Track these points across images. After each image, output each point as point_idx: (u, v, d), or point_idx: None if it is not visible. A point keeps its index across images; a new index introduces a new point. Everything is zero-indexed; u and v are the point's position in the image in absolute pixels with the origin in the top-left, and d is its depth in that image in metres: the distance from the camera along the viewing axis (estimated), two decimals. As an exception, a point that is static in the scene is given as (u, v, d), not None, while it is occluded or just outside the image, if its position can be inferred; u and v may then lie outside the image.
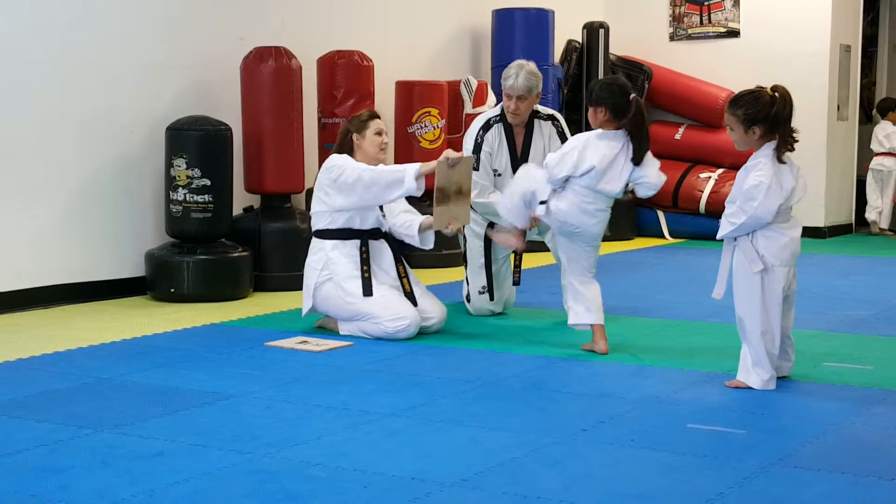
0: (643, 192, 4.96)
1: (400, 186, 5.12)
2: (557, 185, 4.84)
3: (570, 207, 4.83)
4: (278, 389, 4.21)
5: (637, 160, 4.77)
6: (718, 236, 4.25)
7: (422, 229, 5.35)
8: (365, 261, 5.29)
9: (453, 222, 5.19)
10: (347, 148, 5.40)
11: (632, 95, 4.77)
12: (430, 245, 5.43)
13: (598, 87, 4.85)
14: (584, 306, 4.90)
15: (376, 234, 5.37)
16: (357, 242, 5.30)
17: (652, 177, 4.85)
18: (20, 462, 3.30)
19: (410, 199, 5.47)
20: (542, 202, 4.86)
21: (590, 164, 4.75)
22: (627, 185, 4.89)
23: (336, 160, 5.31)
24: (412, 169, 5.12)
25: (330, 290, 5.29)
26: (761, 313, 4.13)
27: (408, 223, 5.38)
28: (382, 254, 5.38)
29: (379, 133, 5.37)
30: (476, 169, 5.66)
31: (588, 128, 4.92)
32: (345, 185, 5.21)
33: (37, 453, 3.38)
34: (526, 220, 5.00)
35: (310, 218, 5.48)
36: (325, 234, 5.35)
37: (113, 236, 6.61)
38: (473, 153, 5.69)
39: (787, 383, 4.25)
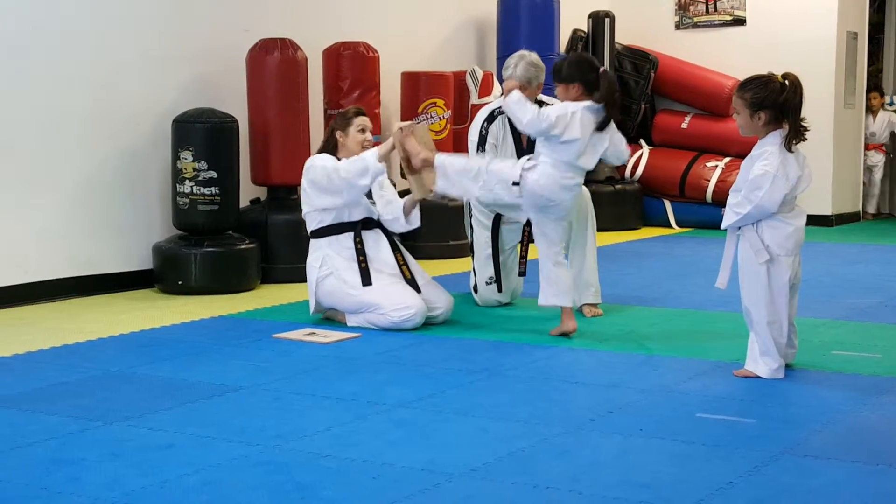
0: (612, 162, 5.18)
1: (366, 172, 5.16)
2: (535, 133, 4.90)
3: (548, 182, 4.89)
4: (286, 381, 4.22)
5: (601, 127, 4.87)
6: (723, 226, 4.24)
7: (406, 211, 5.38)
8: (361, 251, 5.30)
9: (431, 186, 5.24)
10: (332, 146, 5.43)
11: (601, 69, 4.89)
12: (417, 223, 5.48)
13: (566, 64, 4.97)
14: (554, 289, 5.00)
15: (369, 223, 5.38)
16: (351, 234, 5.32)
17: (623, 152, 5.09)
18: (31, 455, 3.31)
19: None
20: (515, 183, 4.90)
21: (574, 135, 4.82)
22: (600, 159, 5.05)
23: (310, 162, 5.38)
24: (370, 153, 5.19)
25: (332, 284, 5.31)
26: (768, 303, 4.12)
27: (394, 211, 5.43)
28: (378, 243, 5.39)
29: (362, 130, 5.39)
30: (482, 148, 5.67)
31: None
32: (320, 187, 5.26)
33: (47, 446, 3.39)
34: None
35: (302, 221, 5.51)
36: (319, 233, 5.38)
37: (120, 229, 6.61)
38: (479, 147, 5.68)
39: (795, 372, 4.25)
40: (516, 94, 4.94)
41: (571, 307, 5.04)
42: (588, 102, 4.86)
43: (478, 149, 5.71)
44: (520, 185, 4.88)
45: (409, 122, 5.25)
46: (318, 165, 5.30)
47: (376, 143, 5.37)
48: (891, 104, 11.31)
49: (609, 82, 4.87)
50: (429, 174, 5.21)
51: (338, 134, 5.42)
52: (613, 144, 5.00)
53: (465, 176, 4.98)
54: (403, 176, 5.45)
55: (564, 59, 5.03)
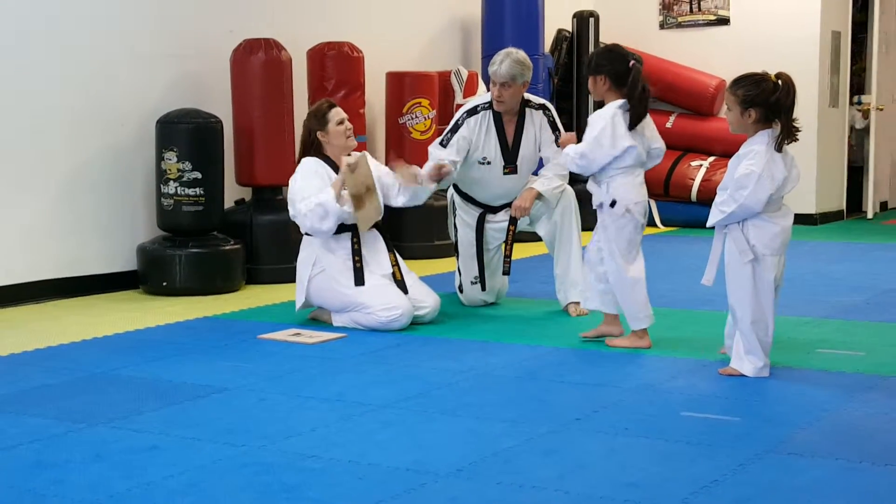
0: (652, 164, 4.90)
1: (327, 216, 5.17)
2: (591, 172, 4.71)
3: (635, 189, 4.72)
4: (272, 382, 4.21)
5: (632, 125, 4.68)
6: (708, 224, 4.24)
7: (405, 186, 5.41)
8: (357, 251, 5.29)
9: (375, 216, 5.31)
10: (314, 148, 5.39)
11: (631, 62, 4.71)
12: (423, 197, 5.50)
13: (596, 55, 4.82)
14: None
15: None
16: (349, 234, 5.30)
17: (661, 146, 4.87)
18: (14, 457, 3.29)
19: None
20: (613, 203, 4.70)
21: (626, 142, 4.65)
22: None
23: (295, 175, 5.35)
24: (325, 198, 5.15)
25: (323, 281, 5.30)
26: (753, 302, 4.13)
27: (395, 187, 5.43)
28: (375, 244, 5.38)
29: (341, 122, 5.36)
30: (443, 146, 5.61)
31: (581, 110, 4.93)
32: (296, 206, 5.27)
33: (31, 448, 3.38)
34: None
35: (288, 222, 5.50)
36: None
37: (104, 230, 6.59)
38: (449, 133, 5.63)
39: (779, 370, 4.26)
40: (573, 150, 4.73)
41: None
42: (620, 102, 4.68)
43: (445, 135, 5.63)
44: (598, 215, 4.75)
45: (353, 158, 5.22)
46: (294, 196, 5.28)
47: (360, 143, 5.35)
48: (859, 103, 11.35)
49: (636, 75, 4.67)
50: (374, 201, 5.23)
51: (319, 134, 5.38)
52: (651, 141, 4.81)
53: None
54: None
55: (597, 50, 4.90)
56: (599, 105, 4.89)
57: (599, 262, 4.79)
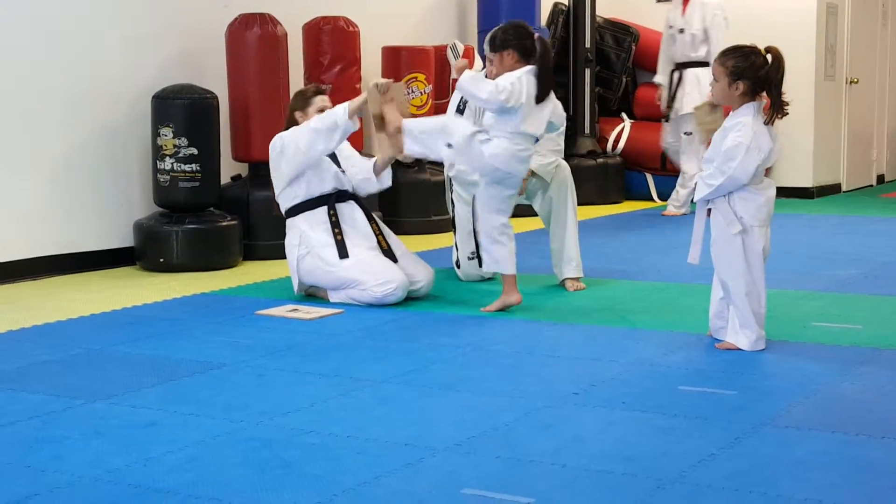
0: (556, 126, 5.25)
1: (335, 129, 5.15)
2: (496, 107, 4.84)
3: (503, 153, 4.90)
4: (269, 358, 4.22)
5: (540, 98, 4.86)
6: (696, 198, 4.24)
7: (377, 170, 5.38)
8: (335, 223, 5.29)
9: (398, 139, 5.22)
10: (293, 126, 5.41)
11: (536, 35, 4.90)
12: (388, 182, 5.50)
13: (500, 31, 4.98)
14: (504, 254, 5.00)
15: (343, 196, 5.38)
16: (325, 208, 5.31)
17: (562, 115, 5.18)
18: (14, 433, 3.30)
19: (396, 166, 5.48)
20: (448, 145, 4.92)
21: (521, 100, 4.81)
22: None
23: (276, 137, 5.37)
24: (340, 109, 5.15)
25: (311, 262, 5.31)
26: (744, 274, 4.14)
27: (364, 170, 5.44)
28: (354, 214, 5.39)
29: (321, 110, 5.35)
30: (461, 112, 5.64)
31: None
32: (288, 151, 5.26)
33: (30, 424, 3.39)
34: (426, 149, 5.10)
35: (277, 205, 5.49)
36: (294, 211, 5.38)
37: (100, 207, 6.58)
38: (456, 111, 5.64)
39: (776, 344, 4.27)
40: (468, 73, 4.91)
41: (514, 276, 5.04)
42: (529, 67, 4.86)
43: (455, 112, 5.66)
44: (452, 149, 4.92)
45: (386, 81, 5.20)
46: (285, 134, 5.29)
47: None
48: None
49: (544, 49, 4.87)
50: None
51: (297, 114, 5.40)
52: (554, 109, 5.07)
53: (431, 133, 4.99)
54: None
55: (499, 28, 5.04)
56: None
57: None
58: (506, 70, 4.90)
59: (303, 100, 5.43)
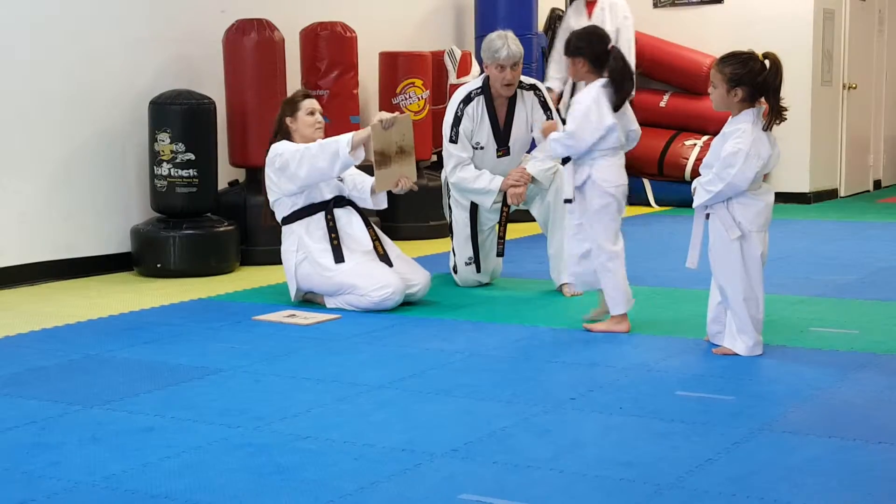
0: (629, 147, 4.92)
1: (337, 159, 5.14)
2: (578, 154, 4.66)
3: (617, 171, 4.72)
4: (267, 363, 4.22)
5: (617, 106, 4.65)
6: (695, 204, 4.24)
7: (373, 191, 5.38)
8: (332, 228, 5.30)
9: (403, 181, 5.26)
10: (284, 133, 5.42)
11: (610, 45, 4.69)
12: (383, 205, 5.48)
13: (574, 37, 4.79)
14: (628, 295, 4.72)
15: (341, 201, 5.38)
16: (322, 214, 5.31)
17: (638, 129, 4.90)
18: (11, 439, 3.30)
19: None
20: (567, 200, 4.75)
21: (610, 120, 4.61)
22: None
23: (275, 149, 5.35)
24: (344, 140, 5.14)
25: (308, 268, 5.31)
26: (743, 280, 4.14)
27: (360, 185, 5.44)
28: (351, 220, 5.39)
29: (311, 113, 5.37)
30: (454, 142, 5.64)
31: (574, 90, 4.89)
32: (287, 172, 5.24)
33: (27, 430, 3.38)
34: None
35: (272, 212, 5.49)
36: (292, 218, 5.37)
37: (98, 212, 6.58)
38: (452, 128, 5.66)
39: (773, 349, 4.27)
40: (557, 134, 4.71)
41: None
42: (602, 81, 4.65)
43: (451, 130, 5.67)
44: (577, 197, 4.71)
45: (391, 116, 5.18)
46: (286, 150, 5.27)
47: (353, 125, 5.35)
48: None
49: (617, 58, 4.63)
50: (402, 167, 5.21)
51: (287, 120, 5.41)
52: (629, 123, 4.83)
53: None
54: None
55: (575, 32, 4.87)
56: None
57: (579, 244, 4.77)
58: (579, 76, 4.74)
59: (291, 105, 5.43)
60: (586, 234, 4.73)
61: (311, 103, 5.42)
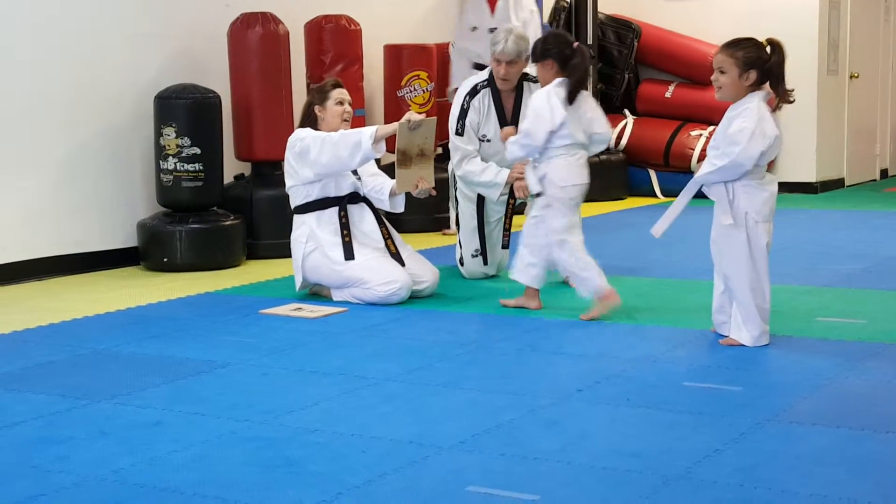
0: (596, 149, 5.04)
1: (359, 150, 5.12)
2: (535, 152, 4.82)
3: (568, 168, 4.83)
4: (274, 357, 4.22)
5: (570, 99, 4.77)
6: (696, 177, 4.25)
7: (392, 194, 5.36)
8: (345, 225, 5.29)
9: (421, 182, 5.24)
10: (311, 121, 5.40)
11: (575, 44, 4.85)
12: (400, 208, 5.47)
13: (541, 42, 4.93)
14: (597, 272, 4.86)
15: (355, 198, 5.37)
16: (336, 209, 5.30)
17: (605, 132, 5.00)
18: (19, 434, 3.31)
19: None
20: (537, 194, 4.88)
21: (561, 114, 4.75)
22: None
23: (297, 134, 5.34)
24: (368, 132, 5.12)
25: (317, 259, 5.30)
26: (749, 269, 4.14)
27: (378, 187, 5.41)
28: (363, 217, 5.38)
29: (340, 102, 5.35)
30: (460, 134, 5.65)
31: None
32: (307, 157, 5.22)
33: (35, 425, 3.39)
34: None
35: (287, 196, 5.48)
36: (305, 208, 5.36)
37: (104, 207, 6.58)
38: (458, 120, 5.66)
39: (780, 339, 4.27)
40: (513, 137, 4.88)
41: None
42: (557, 81, 4.80)
43: (457, 123, 5.68)
44: (541, 192, 4.85)
45: (419, 118, 5.16)
46: (308, 136, 5.25)
47: (358, 118, 5.33)
48: None
49: (582, 58, 4.81)
50: (421, 169, 5.20)
51: (316, 108, 5.38)
52: (595, 125, 4.94)
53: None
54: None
55: (541, 38, 5.03)
56: None
57: (533, 236, 4.91)
58: (548, 78, 4.84)
59: (321, 94, 5.39)
60: (542, 228, 4.87)
61: (340, 93, 5.39)
